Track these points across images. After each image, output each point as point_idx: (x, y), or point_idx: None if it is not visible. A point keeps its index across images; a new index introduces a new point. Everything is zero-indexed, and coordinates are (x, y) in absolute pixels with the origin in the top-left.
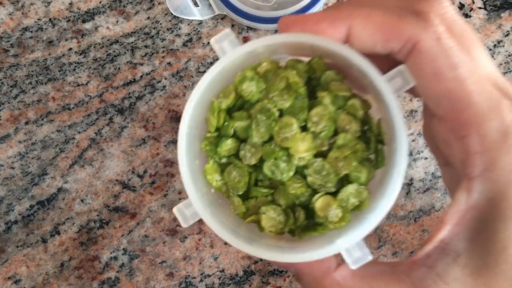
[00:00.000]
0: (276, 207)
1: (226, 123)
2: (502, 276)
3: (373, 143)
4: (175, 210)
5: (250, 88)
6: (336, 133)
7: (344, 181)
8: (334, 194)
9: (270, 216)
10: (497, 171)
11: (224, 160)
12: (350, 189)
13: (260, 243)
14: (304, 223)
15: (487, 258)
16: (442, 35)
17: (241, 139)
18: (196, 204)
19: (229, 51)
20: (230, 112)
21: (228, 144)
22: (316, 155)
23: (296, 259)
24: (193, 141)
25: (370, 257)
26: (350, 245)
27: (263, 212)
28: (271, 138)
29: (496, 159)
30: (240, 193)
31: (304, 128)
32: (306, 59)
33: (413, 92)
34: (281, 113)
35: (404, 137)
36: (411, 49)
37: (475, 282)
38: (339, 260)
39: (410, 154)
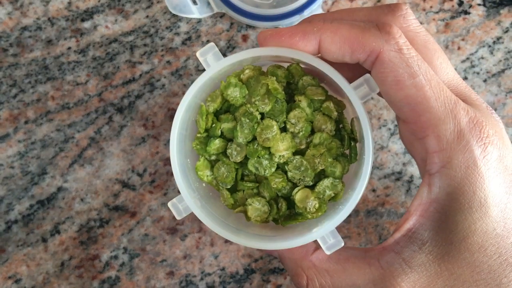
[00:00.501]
0: (261, 199)
1: (214, 125)
2: (464, 262)
3: (347, 140)
4: (169, 204)
5: (235, 94)
6: (312, 132)
7: (321, 175)
8: (312, 187)
9: (256, 207)
10: (453, 168)
11: (213, 158)
12: (326, 182)
13: (246, 233)
14: (286, 213)
15: (449, 247)
16: (403, 46)
17: (228, 139)
18: (187, 199)
19: (213, 64)
20: (217, 114)
21: (216, 144)
22: (295, 153)
23: (278, 247)
24: (185, 141)
25: (342, 244)
26: (325, 234)
27: (249, 204)
28: (254, 139)
29: (452, 157)
30: (229, 186)
31: (283, 129)
32: (285, 64)
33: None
34: (263, 116)
35: (370, 137)
36: (374, 59)
37: (439, 267)
38: (317, 244)
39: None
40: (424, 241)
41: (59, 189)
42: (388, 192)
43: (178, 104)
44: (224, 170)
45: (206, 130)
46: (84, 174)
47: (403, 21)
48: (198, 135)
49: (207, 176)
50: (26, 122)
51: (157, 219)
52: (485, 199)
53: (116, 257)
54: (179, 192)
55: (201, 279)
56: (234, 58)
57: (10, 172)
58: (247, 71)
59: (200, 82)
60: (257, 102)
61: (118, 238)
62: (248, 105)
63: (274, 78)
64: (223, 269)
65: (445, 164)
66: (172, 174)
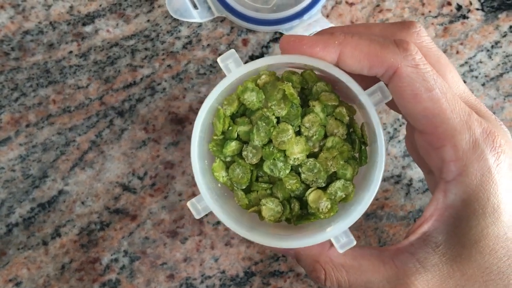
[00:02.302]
0: (274, 199)
1: (230, 128)
2: (475, 264)
3: (357, 144)
4: (188, 204)
5: (251, 98)
6: (325, 136)
7: (333, 177)
8: (324, 188)
9: (269, 207)
10: (468, 176)
11: (228, 159)
12: (338, 184)
13: (260, 231)
14: (299, 213)
15: (462, 249)
16: (419, 62)
17: (243, 141)
18: (207, 199)
19: (234, 69)
20: (233, 117)
21: (232, 146)
22: (308, 156)
23: (293, 245)
24: (202, 143)
25: (354, 243)
26: (338, 233)
27: (263, 204)
28: (270, 141)
29: (468, 166)
30: (244, 187)
31: (298, 133)
32: (299, 70)
33: (396, 109)
34: (278, 120)
35: (382, 141)
36: (392, 74)
37: (451, 268)
38: (329, 243)
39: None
40: (438, 243)
41: (60, 192)
42: (387, 195)
43: (179, 107)
44: (240, 171)
45: (223, 133)
46: (85, 177)
47: (417, 37)
48: (215, 137)
49: (223, 177)
50: (27, 126)
51: (157, 222)
52: (498, 205)
53: (116, 260)
54: (179, 195)
55: (202, 282)
56: (254, 64)
57: (11, 175)
58: (263, 76)
59: (222, 87)
60: (273, 107)
61: (119, 241)
62: (265, 109)
63: (290, 83)
64: (223, 272)
65: (461, 172)
66: (172, 178)
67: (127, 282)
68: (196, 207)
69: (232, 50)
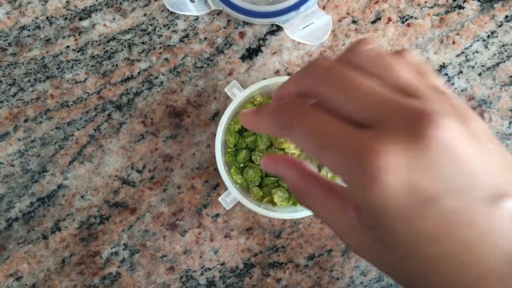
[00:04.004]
0: (281, 188)
1: (239, 140)
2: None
3: None
4: (220, 199)
5: None
6: None
7: (320, 166)
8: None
9: (279, 195)
10: None
11: (241, 165)
12: (324, 171)
13: (277, 212)
14: None
15: None
16: None
17: (251, 149)
18: (234, 192)
19: (238, 94)
20: (240, 132)
21: (243, 153)
22: (301, 150)
23: (304, 215)
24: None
25: None
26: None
27: (274, 193)
28: (271, 145)
29: None
30: (257, 184)
31: None
32: None
33: None
34: None
35: None
36: None
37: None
38: None
39: None
40: None
41: (59, 186)
42: None
43: (176, 101)
44: (252, 172)
45: (235, 145)
46: (84, 171)
47: None
48: (229, 149)
49: (239, 179)
50: (25, 121)
51: (156, 215)
52: None
53: (116, 253)
54: (178, 188)
55: (201, 274)
56: (251, 88)
57: (10, 170)
58: (258, 98)
59: (231, 108)
60: None
61: (119, 235)
62: None
63: None
64: (223, 264)
65: None
66: (171, 170)
67: (127, 275)
68: (225, 201)
69: (234, 81)
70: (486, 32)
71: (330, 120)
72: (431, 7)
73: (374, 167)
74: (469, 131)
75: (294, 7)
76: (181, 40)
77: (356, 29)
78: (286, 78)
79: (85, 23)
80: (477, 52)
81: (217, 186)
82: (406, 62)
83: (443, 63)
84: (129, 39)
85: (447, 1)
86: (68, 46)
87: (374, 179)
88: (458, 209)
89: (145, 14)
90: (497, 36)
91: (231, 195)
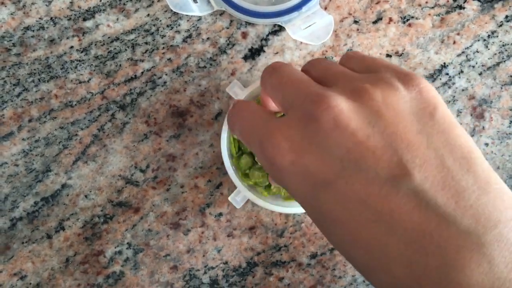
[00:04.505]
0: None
1: (243, 147)
2: None
3: None
4: (230, 198)
5: None
6: None
7: None
8: None
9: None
10: None
11: (247, 171)
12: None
13: (285, 207)
14: None
15: None
16: None
17: (253, 154)
18: (244, 191)
19: (240, 93)
20: None
21: (244, 159)
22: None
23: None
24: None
25: None
26: None
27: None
28: None
29: None
30: (267, 183)
31: None
32: None
33: None
34: None
35: None
36: None
37: None
38: None
39: None
40: None
41: (63, 186)
42: None
43: (179, 101)
44: (258, 173)
45: (239, 149)
46: (88, 171)
47: None
48: (235, 155)
49: (248, 181)
50: (30, 121)
51: (160, 214)
52: None
53: (120, 252)
54: (181, 187)
55: (205, 272)
56: (251, 87)
57: (15, 170)
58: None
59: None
60: None
61: (122, 234)
62: None
63: None
64: (226, 262)
65: None
66: (174, 170)
67: (131, 274)
68: (235, 200)
69: (235, 80)
70: (487, 32)
71: (260, 111)
72: (432, 7)
73: (270, 152)
74: (365, 108)
75: (296, 8)
76: (184, 40)
77: (358, 29)
78: None
79: (88, 24)
80: (477, 52)
81: (220, 185)
82: (349, 59)
83: (444, 63)
84: (132, 40)
85: (447, 1)
86: (72, 47)
87: (272, 161)
88: (355, 192)
89: (148, 15)
90: (497, 36)
91: (241, 193)
